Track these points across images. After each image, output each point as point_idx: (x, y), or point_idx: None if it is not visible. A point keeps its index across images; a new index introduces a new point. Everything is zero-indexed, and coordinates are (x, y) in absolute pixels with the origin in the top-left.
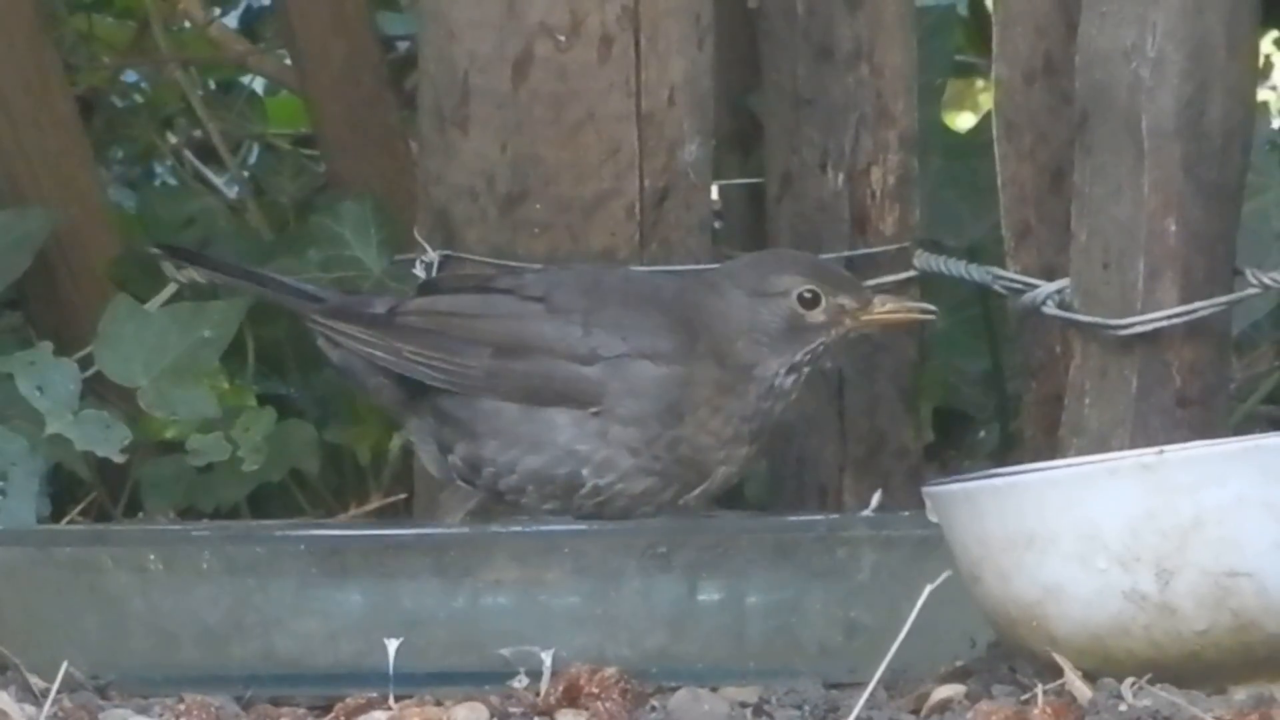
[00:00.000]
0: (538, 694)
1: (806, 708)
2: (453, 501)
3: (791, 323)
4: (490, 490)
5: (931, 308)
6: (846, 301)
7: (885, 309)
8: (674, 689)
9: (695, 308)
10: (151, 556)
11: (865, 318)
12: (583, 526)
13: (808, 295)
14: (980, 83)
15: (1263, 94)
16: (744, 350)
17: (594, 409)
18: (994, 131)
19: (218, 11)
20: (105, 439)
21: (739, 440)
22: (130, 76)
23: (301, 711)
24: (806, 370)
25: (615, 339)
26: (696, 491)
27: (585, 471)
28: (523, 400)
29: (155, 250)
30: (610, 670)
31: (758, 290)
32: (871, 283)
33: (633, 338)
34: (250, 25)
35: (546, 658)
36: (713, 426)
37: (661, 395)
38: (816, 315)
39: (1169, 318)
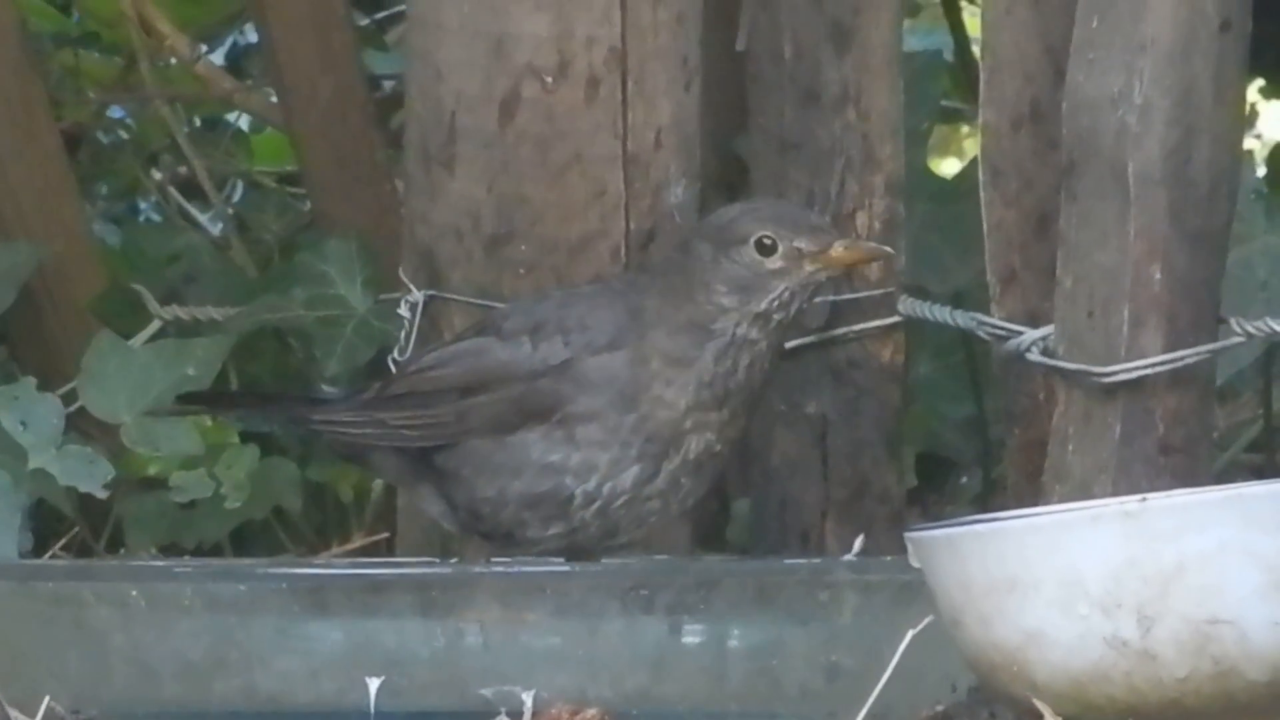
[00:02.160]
0: None
1: None
2: (473, 556)
3: (753, 270)
4: (498, 532)
5: (889, 250)
6: (804, 245)
7: (842, 250)
8: None
9: (644, 287)
10: (133, 592)
11: (824, 260)
12: (565, 567)
13: (767, 241)
14: (966, 128)
15: (1248, 142)
16: (703, 305)
17: (556, 417)
18: (980, 177)
19: (204, 48)
20: (88, 474)
21: (703, 406)
22: (116, 112)
23: None
24: (776, 319)
25: (558, 345)
26: (675, 463)
27: (568, 480)
28: (495, 431)
29: (181, 405)
30: (591, 711)
31: (720, 241)
32: (856, 328)
33: (574, 338)
34: (237, 62)
35: (527, 698)
36: (669, 398)
37: (610, 384)
38: (775, 261)
39: (1153, 365)
